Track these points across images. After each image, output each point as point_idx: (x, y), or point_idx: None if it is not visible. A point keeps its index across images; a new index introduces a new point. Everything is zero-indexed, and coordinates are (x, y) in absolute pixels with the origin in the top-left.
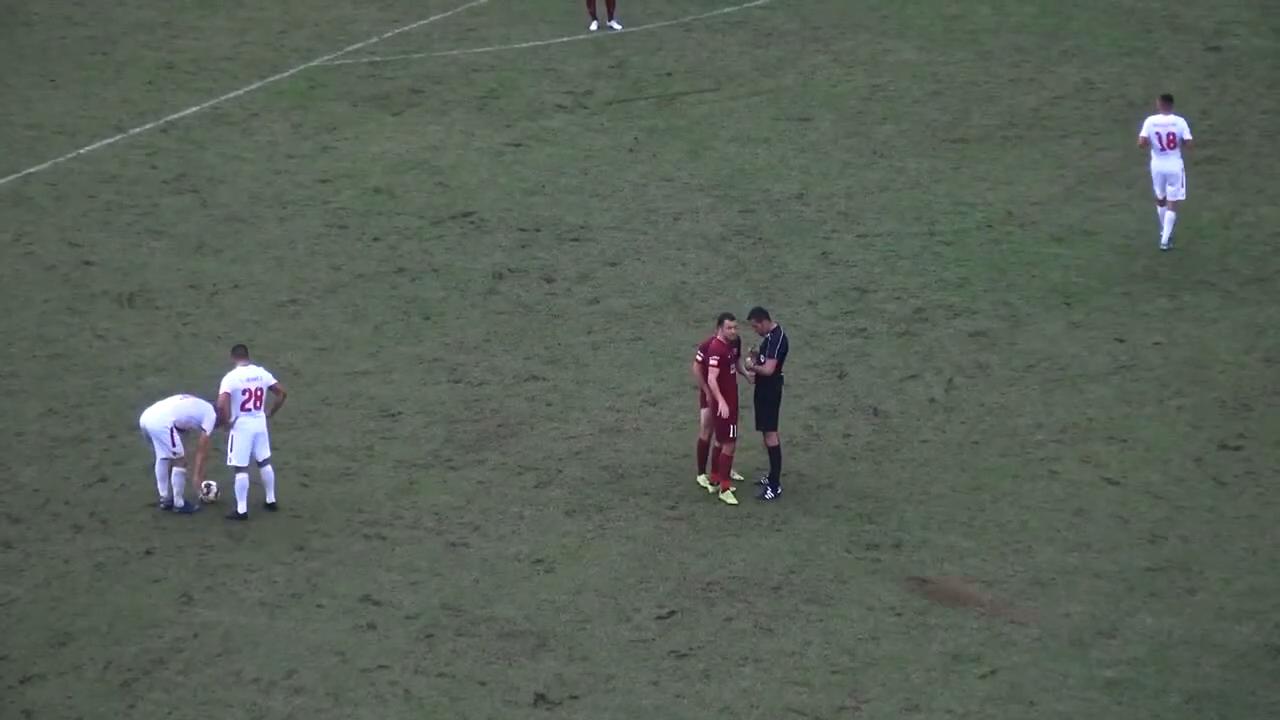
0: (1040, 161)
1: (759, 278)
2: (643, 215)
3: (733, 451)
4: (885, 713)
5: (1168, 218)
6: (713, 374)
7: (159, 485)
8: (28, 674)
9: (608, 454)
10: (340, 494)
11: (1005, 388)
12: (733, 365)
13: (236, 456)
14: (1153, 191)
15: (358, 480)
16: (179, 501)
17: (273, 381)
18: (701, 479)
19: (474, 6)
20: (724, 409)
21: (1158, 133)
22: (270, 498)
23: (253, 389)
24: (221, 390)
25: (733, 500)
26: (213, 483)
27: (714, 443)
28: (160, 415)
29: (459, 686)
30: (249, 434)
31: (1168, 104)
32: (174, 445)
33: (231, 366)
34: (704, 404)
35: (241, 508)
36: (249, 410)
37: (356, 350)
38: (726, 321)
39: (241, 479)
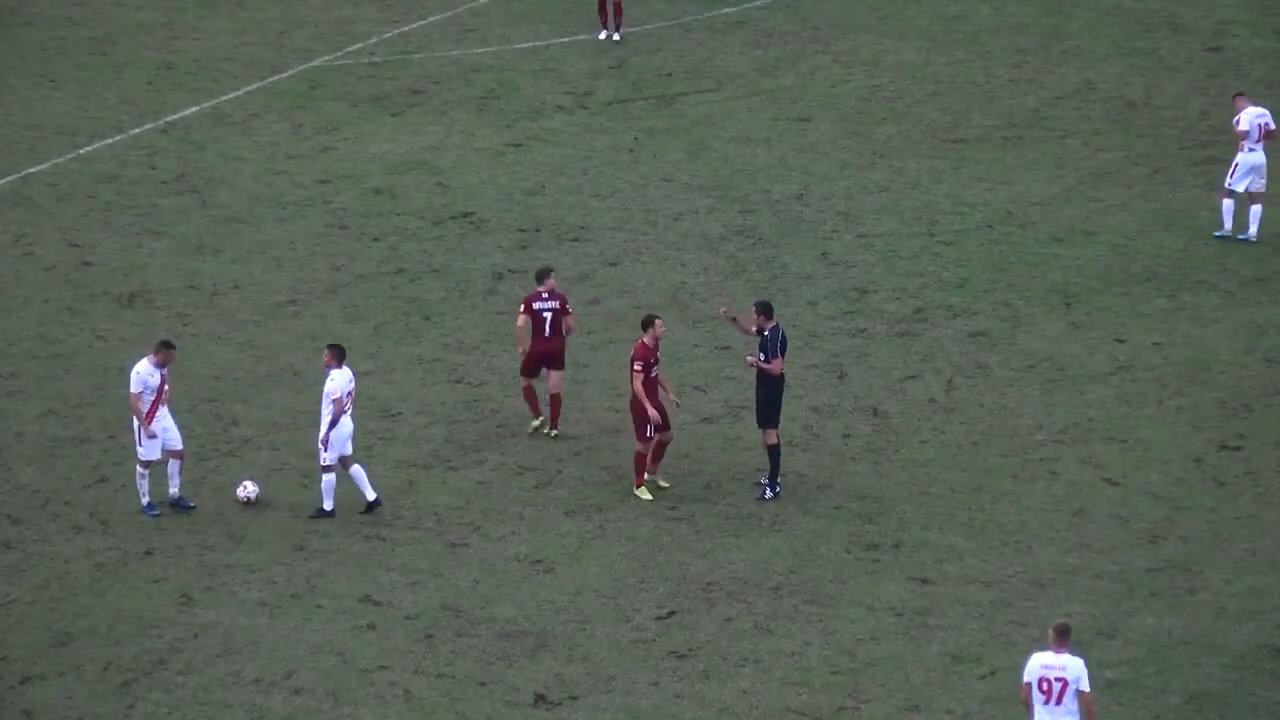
0: (1040, 162)
1: (759, 278)
2: (642, 216)
3: (646, 450)
4: (885, 713)
5: (1254, 211)
6: (637, 379)
7: (171, 484)
8: (28, 674)
9: (607, 454)
10: (340, 494)
11: (1005, 388)
12: (654, 370)
13: (330, 455)
14: (1228, 184)
15: None
16: (173, 491)
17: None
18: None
19: (474, 7)
20: (653, 413)
21: (1258, 124)
22: (371, 494)
23: (352, 390)
24: (336, 395)
25: (648, 495)
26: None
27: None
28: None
29: (459, 687)
30: (345, 434)
31: (1247, 97)
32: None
33: (329, 369)
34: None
35: (328, 505)
36: (347, 411)
37: (356, 351)
38: (657, 323)
39: (329, 478)
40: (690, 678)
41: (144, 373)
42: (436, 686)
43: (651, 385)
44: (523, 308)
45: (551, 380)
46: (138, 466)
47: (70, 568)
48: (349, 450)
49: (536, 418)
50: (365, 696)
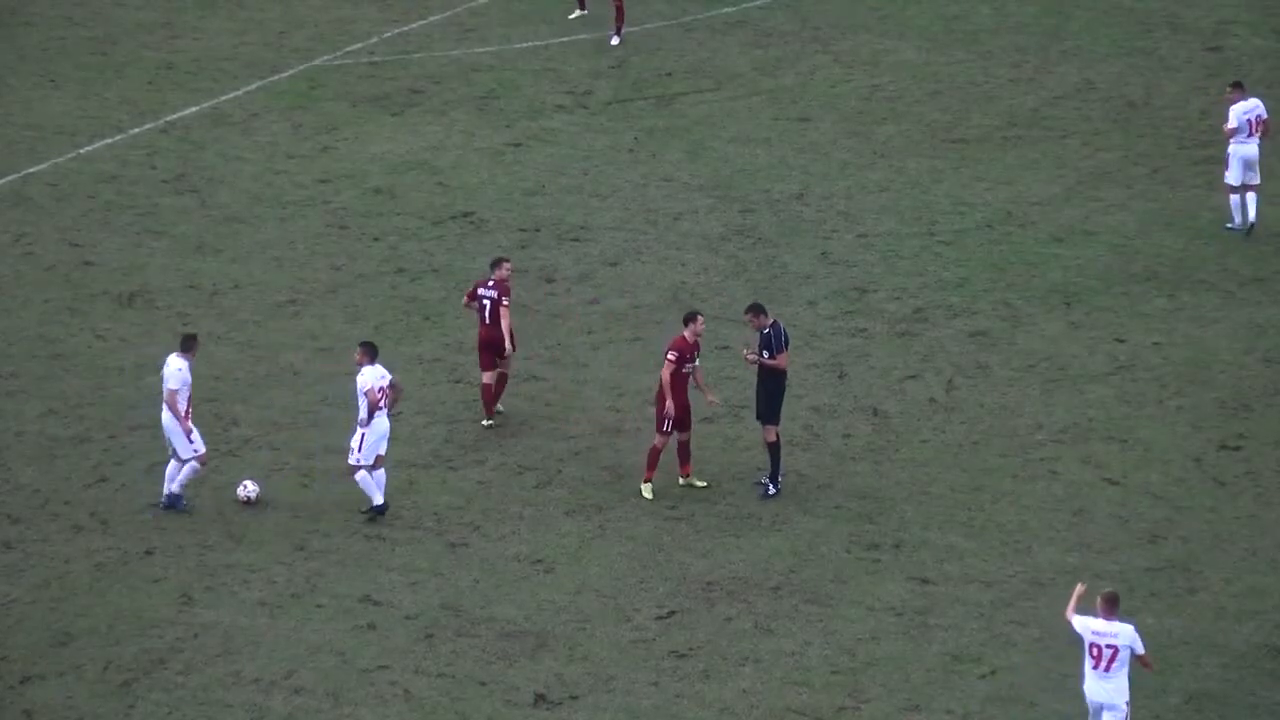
0: (1040, 161)
1: (759, 278)
2: (642, 215)
3: (662, 445)
4: (885, 713)
5: (1251, 199)
6: (668, 369)
7: (168, 483)
8: (28, 674)
9: (608, 454)
10: (340, 494)
11: (1005, 388)
12: (687, 365)
13: (365, 455)
14: (1226, 180)
15: None
16: (173, 487)
17: (393, 378)
18: (681, 480)
19: (474, 6)
20: (668, 408)
21: (1248, 119)
22: (379, 499)
23: (385, 387)
24: (369, 387)
25: (649, 495)
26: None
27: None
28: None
29: (459, 686)
30: (381, 433)
31: (1244, 89)
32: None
33: (360, 366)
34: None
35: (378, 500)
36: (383, 409)
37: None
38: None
39: (363, 475)
40: (690, 677)
41: (183, 369)
42: (436, 686)
43: (682, 381)
44: (469, 292)
45: (502, 364)
46: (193, 462)
47: (70, 568)
48: (383, 450)
49: (489, 418)
50: (365, 696)
